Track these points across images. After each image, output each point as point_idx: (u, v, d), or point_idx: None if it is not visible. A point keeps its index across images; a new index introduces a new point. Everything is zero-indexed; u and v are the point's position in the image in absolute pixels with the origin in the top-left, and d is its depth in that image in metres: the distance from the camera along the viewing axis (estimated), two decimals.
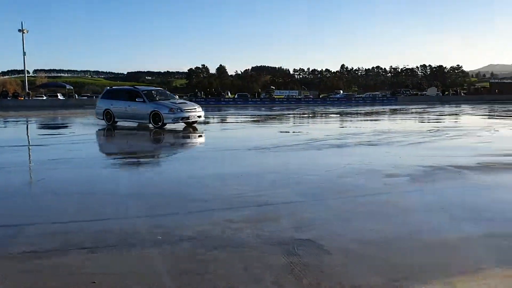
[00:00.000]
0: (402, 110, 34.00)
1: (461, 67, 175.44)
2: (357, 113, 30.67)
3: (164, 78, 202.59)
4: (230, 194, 5.69)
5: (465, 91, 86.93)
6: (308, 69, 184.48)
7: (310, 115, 28.85)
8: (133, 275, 3.21)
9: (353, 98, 62.25)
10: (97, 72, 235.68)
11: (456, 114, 27.27)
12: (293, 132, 15.76)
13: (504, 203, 5.25)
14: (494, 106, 38.53)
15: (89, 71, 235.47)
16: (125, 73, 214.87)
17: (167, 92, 19.83)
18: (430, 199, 5.49)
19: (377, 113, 30.78)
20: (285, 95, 77.38)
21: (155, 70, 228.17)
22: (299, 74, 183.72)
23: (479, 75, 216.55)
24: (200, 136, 14.71)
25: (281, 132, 15.67)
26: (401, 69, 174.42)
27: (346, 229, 4.27)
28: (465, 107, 37.20)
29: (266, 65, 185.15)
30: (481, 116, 25.01)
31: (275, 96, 69.65)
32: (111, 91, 18.48)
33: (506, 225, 4.36)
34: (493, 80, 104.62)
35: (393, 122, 22.21)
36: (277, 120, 23.79)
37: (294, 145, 11.28)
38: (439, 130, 15.19)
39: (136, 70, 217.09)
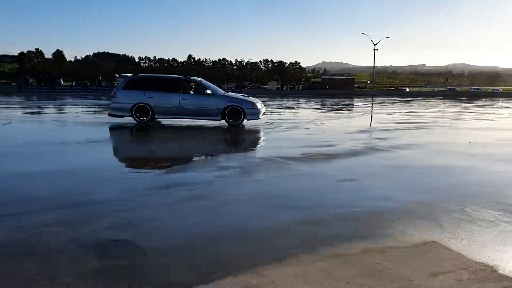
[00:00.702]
0: None
1: (299, 63, 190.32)
2: None
3: None
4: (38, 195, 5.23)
5: (302, 86, 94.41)
6: (155, 57, 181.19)
7: None
8: None
9: None
10: None
11: (291, 108, 29.40)
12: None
13: (321, 192, 5.77)
14: (325, 100, 42.54)
15: None
16: None
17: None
18: (255, 190, 5.77)
19: None
20: None
21: None
22: (145, 63, 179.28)
23: (314, 71, 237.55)
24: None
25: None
26: (246, 62, 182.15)
27: (167, 226, 4.23)
28: (301, 101, 40.35)
29: (110, 52, 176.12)
30: (313, 110, 27.41)
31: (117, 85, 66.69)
32: (141, 80, 14.32)
33: (321, 212, 4.78)
34: (325, 76, 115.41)
35: None
36: None
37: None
38: (274, 122, 16.19)
39: None
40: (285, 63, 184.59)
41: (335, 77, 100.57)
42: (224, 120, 13.72)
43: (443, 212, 4.76)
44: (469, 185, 6.19)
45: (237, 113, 13.61)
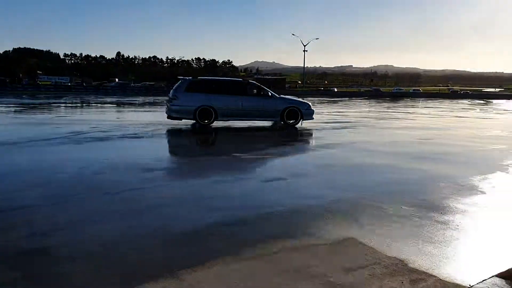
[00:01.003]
0: None
1: (231, 62, 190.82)
2: (130, 104, 30.23)
3: None
4: None
5: None
6: (81, 54, 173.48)
7: (78, 105, 27.12)
8: None
9: (128, 87, 60.99)
10: None
11: None
12: (56, 126, 14.51)
13: (248, 192, 5.81)
14: None
15: None
16: None
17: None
18: (175, 192, 5.71)
19: (152, 103, 30.92)
20: (53, 82, 71.04)
21: None
22: (71, 59, 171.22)
23: (247, 70, 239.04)
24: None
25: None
26: (178, 60, 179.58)
27: (79, 233, 4.08)
28: None
29: (32, 48, 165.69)
30: None
31: (41, 83, 63.12)
32: (202, 83, 14.27)
33: (247, 212, 4.83)
34: (257, 76, 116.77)
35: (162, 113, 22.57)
36: (39, 109, 21.59)
37: (52, 138, 10.41)
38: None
39: None
40: (218, 62, 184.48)
41: (267, 77, 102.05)
42: (282, 121, 14.30)
43: (362, 209, 4.99)
44: (388, 183, 6.53)
45: (295, 114, 14.33)
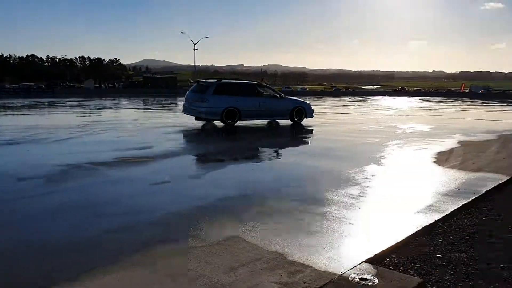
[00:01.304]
0: (59, 103, 32.64)
1: (119, 60, 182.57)
2: (5, 106, 27.60)
3: None
4: None
5: (122, 84, 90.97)
6: None
7: None
8: None
9: (3, 89, 55.57)
10: None
11: (110, 108, 28.13)
12: None
13: (134, 197, 5.63)
14: (147, 99, 41.76)
15: None
16: None
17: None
18: (56, 201, 5.36)
19: (31, 106, 28.52)
20: None
21: None
22: None
23: (136, 69, 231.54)
24: None
25: None
26: (59, 59, 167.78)
27: None
28: (121, 100, 38.92)
29: None
30: (133, 109, 26.73)
31: None
32: (226, 86, 15.21)
33: (132, 218, 4.68)
34: (147, 75, 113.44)
35: (44, 116, 21.05)
36: None
37: None
38: (88, 124, 15.27)
39: None
40: (104, 60, 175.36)
41: (157, 76, 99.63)
42: (290, 119, 16.01)
43: (247, 206, 5.11)
44: (275, 180, 6.78)
45: (301, 112, 16.13)
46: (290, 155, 9.55)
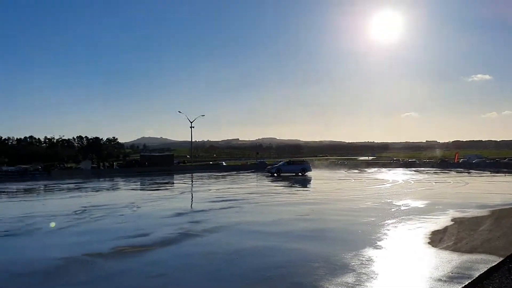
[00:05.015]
0: (55, 186, 32.72)
1: (116, 139, 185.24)
2: (0, 192, 27.68)
3: None
4: None
5: (120, 163, 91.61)
6: None
7: None
8: None
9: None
10: None
11: (108, 190, 28.20)
12: None
13: None
14: (144, 178, 41.94)
15: None
16: None
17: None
18: None
19: (27, 190, 28.63)
20: None
21: None
22: None
23: (133, 147, 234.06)
24: None
25: None
26: (57, 140, 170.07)
27: None
28: (118, 181, 39.02)
29: None
30: (130, 190, 26.85)
31: None
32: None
33: None
34: (144, 153, 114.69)
35: (40, 202, 21.08)
36: None
37: None
38: (85, 210, 15.33)
39: None
40: (102, 139, 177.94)
41: (154, 154, 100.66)
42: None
43: None
44: (269, 268, 6.83)
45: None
46: (287, 241, 9.59)
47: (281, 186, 27.85)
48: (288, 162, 44.83)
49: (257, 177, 39.61)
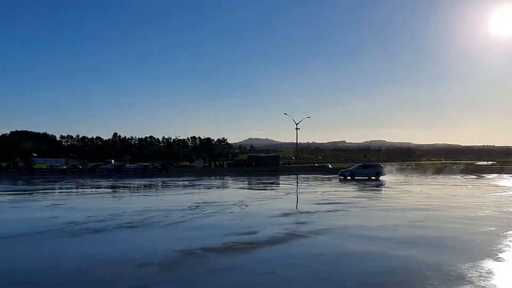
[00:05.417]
0: (171, 183, 35.18)
1: (226, 139, 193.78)
2: (124, 187, 30.44)
3: None
4: None
5: (229, 163, 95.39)
6: (78, 136, 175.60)
7: (70, 192, 27.27)
8: None
9: (123, 169, 61.19)
10: None
11: (218, 187, 29.63)
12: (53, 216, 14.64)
13: None
14: (252, 178, 43.31)
15: None
16: None
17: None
18: None
19: (147, 186, 31.14)
20: (49, 164, 71.55)
21: None
22: (67, 141, 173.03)
23: (241, 147, 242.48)
24: None
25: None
26: (173, 139, 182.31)
27: None
28: (227, 179, 40.78)
29: (29, 130, 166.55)
30: (239, 189, 27.85)
31: (36, 166, 63.16)
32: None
33: None
34: (251, 154, 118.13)
35: (159, 198, 22.78)
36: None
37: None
38: (198, 206, 16.26)
39: None
40: (213, 139, 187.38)
41: (261, 155, 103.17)
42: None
43: None
44: (378, 273, 6.65)
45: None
46: (396, 246, 9.26)
47: (390, 189, 26.85)
48: (362, 166, 44.52)
49: (328, 180, 38.61)
